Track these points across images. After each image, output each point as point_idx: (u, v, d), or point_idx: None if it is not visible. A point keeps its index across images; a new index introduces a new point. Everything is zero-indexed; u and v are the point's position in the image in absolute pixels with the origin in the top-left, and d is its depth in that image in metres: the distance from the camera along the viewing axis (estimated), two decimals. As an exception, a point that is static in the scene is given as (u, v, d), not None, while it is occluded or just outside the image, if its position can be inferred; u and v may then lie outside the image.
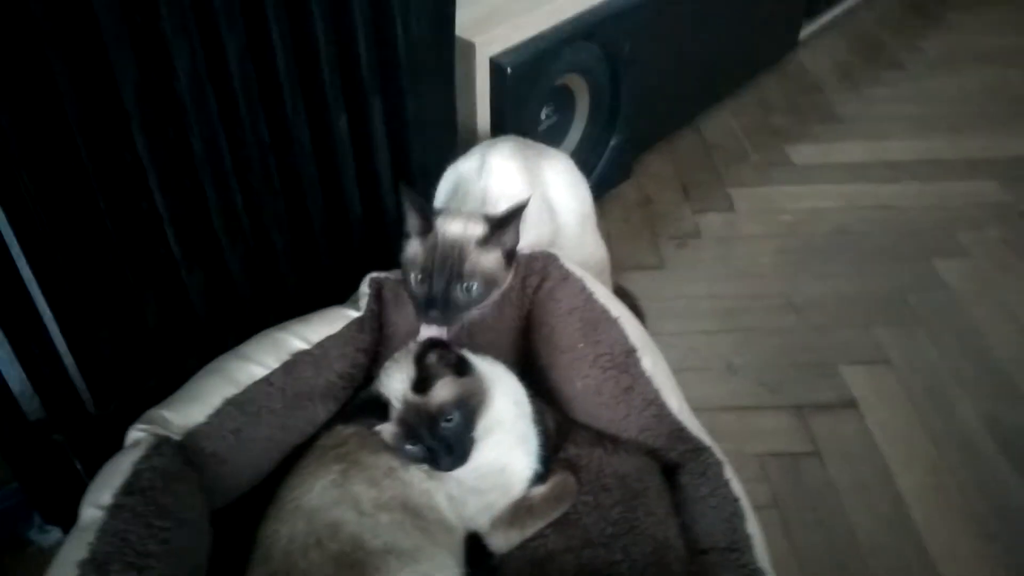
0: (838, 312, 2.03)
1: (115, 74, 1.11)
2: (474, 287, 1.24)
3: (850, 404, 1.79)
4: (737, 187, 2.49)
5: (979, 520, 1.55)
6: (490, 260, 1.25)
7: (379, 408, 1.14)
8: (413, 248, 1.25)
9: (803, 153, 2.67)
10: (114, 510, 0.99)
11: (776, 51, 3.12)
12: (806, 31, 3.25)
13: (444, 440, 1.12)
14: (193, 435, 1.13)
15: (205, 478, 1.14)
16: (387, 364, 1.20)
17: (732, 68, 2.84)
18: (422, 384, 1.13)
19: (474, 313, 1.27)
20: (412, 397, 1.13)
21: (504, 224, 1.24)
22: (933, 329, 1.98)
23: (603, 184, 2.24)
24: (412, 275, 1.24)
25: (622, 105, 2.13)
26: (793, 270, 2.17)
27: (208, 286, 1.36)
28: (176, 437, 1.12)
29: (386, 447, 1.17)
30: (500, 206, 1.29)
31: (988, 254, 2.22)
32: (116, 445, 1.10)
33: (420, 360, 1.14)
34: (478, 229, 1.24)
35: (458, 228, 1.24)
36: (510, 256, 1.28)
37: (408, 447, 1.13)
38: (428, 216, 1.24)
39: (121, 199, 1.21)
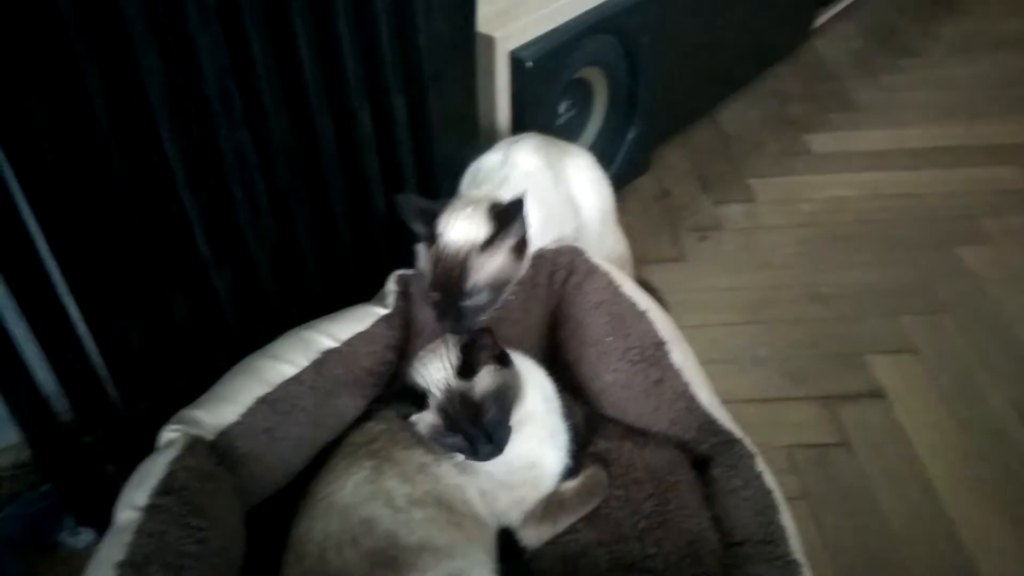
0: (863, 302, 2.02)
1: (142, 75, 1.11)
2: (481, 296, 1.22)
3: (878, 394, 1.77)
4: (756, 178, 2.46)
5: (1013, 509, 1.53)
6: (496, 263, 1.23)
7: (416, 397, 1.13)
8: (422, 257, 1.25)
9: (821, 142, 2.64)
10: (150, 511, 0.99)
11: (791, 40, 3.09)
12: (820, 19, 3.22)
13: (484, 428, 1.11)
14: (226, 435, 1.13)
15: (238, 478, 1.14)
16: (423, 354, 1.19)
17: (747, 58, 2.82)
18: (467, 370, 1.12)
19: (491, 313, 1.26)
20: (455, 383, 1.12)
21: (508, 217, 1.21)
22: (959, 317, 1.96)
23: (621, 178, 2.22)
24: (424, 284, 1.24)
25: (640, 98, 2.12)
26: (816, 260, 2.15)
27: (235, 285, 1.36)
28: (209, 437, 1.12)
29: (419, 441, 1.16)
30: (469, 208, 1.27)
31: (1012, 241, 2.20)
32: (147, 446, 1.10)
33: (467, 348, 1.13)
34: (481, 231, 1.21)
35: (460, 234, 1.21)
36: (520, 247, 1.25)
37: (447, 437, 1.12)
38: (430, 222, 1.22)
39: (149, 200, 1.21)
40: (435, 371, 1.14)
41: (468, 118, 1.58)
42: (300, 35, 1.26)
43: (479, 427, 1.11)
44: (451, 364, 1.13)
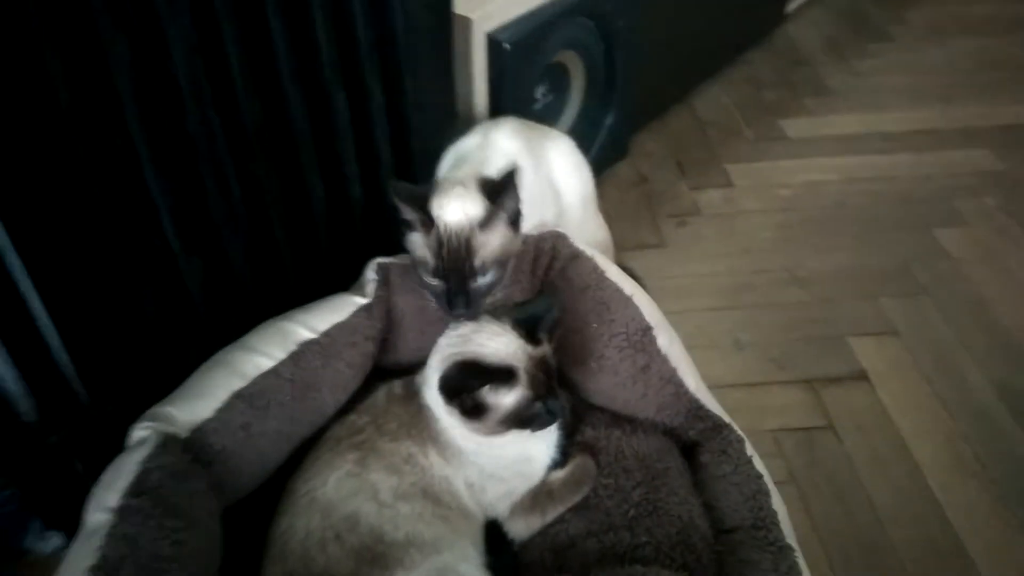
0: (843, 285, 2.01)
1: (107, 55, 1.05)
2: (489, 274, 1.18)
3: (861, 376, 1.77)
4: (733, 163, 2.46)
5: (999, 488, 1.54)
6: (497, 238, 1.19)
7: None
8: (418, 246, 1.19)
9: (797, 127, 2.64)
10: (122, 512, 0.95)
11: (763, 26, 3.09)
12: (792, 5, 3.22)
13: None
14: (200, 431, 1.09)
15: (214, 475, 1.09)
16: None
17: (721, 44, 2.81)
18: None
19: (498, 295, 1.22)
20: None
21: (501, 191, 1.17)
22: (938, 298, 1.96)
23: (599, 164, 2.18)
24: (424, 272, 1.19)
25: (617, 82, 2.10)
26: (795, 244, 2.15)
27: (207, 275, 1.31)
28: (182, 434, 1.08)
29: (407, 432, 1.13)
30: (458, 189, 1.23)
31: (988, 222, 2.21)
32: (118, 445, 1.05)
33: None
34: (477, 208, 1.17)
35: (457, 214, 1.16)
36: (515, 220, 1.22)
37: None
38: (425, 207, 1.17)
39: (114, 187, 1.15)
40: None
41: (445, 102, 1.54)
42: (272, 16, 1.22)
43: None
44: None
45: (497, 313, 1.16)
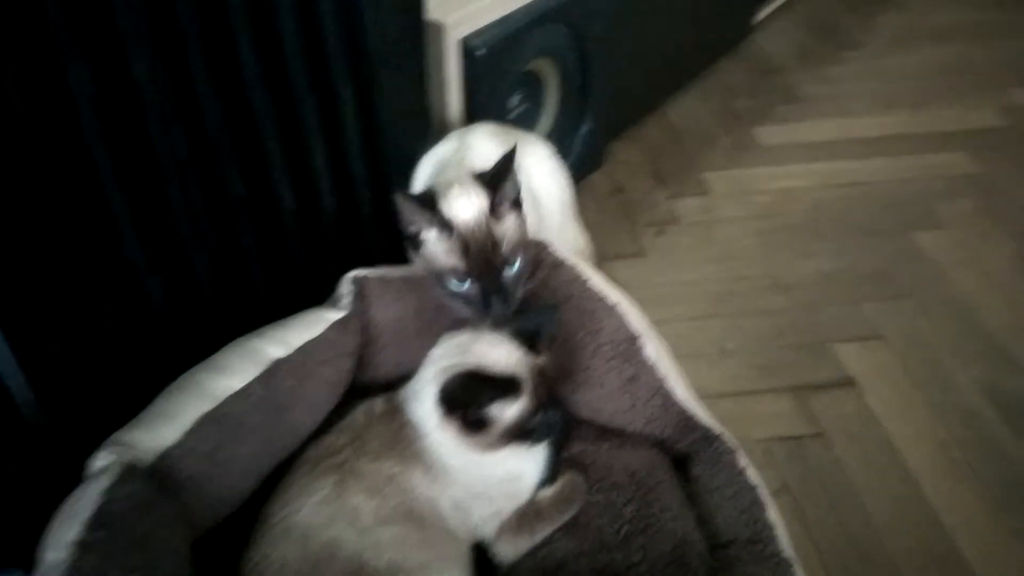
0: (825, 290, 1.99)
1: (66, 66, 1.00)
2: (517, 263, 1.15)
3: (848, 382, 1.74)
4: (710, 171, 2.44)
5: (992, 492, 1.51)
6: (511, 224, 1.17)
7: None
8: (440, 253, 1.14)
9: (771, 134, 2.64)
10: (82, 548, 0.88)
11: (734, 35, 3.10)
12: (761, 15, 3.23)
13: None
14: (166, 458, 1.02)
15: (182, 505, 1.03)
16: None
17: (693, 53, 2.81)
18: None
19: (521, 293, 1.18)
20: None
21: (500, 177, 1.15)
22: (921, 302, 1.95)
23: (575, 173, 2.13)
24: (452, 281, 1.14)
25: (592, 91, 2.07)
26: (775, 250, 2.13)
27: (172, 292, 1.24)
28: (147, 461, 1.01)
29: (389, 450, 1.07)
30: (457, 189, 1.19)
31: (965, 225, 2.21)
32: (76, 475, 0.98)
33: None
34: (484, 200, 1.14)
35: (470, 209, 1.14)
36: (517, 203, 1.19)
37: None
38: (438, 211, 1.13)
39: (72, 201, 1.08)
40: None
41: (419, 109, 1.50)
42: (238, 21, 1.16)
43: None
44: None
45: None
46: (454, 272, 1.13)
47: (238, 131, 1.24)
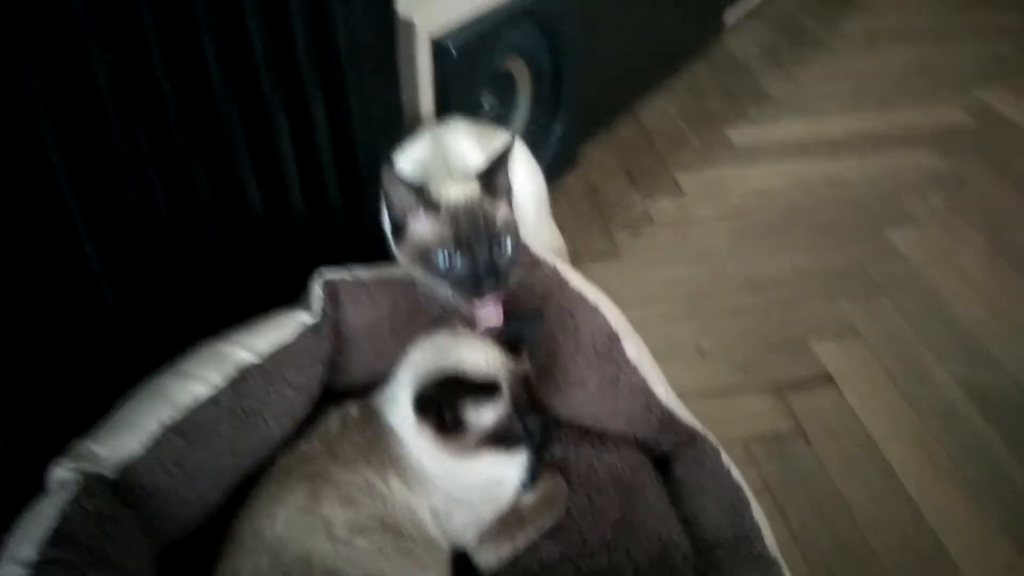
0: (800, 288, 1.99)
1: (17, 60, 0.95)
2: (508, 243, 1.12)
3: (826, 379, 1.73)
4: (683, 171, 2.44)
5: (972, 485, 1.51)
6: (505, 209, 1.15)
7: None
8: (427, 233, 1.11)
9: (743, 135, 2.64)
10: (41, 567, 0.83)
11: (703, 37, 3.11)
12: (729, 17, 3.25)
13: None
14: (129, 470, 0.98)
15: (146, 518, 0.98)
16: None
17: (664, 55, 2.81)
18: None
19: (514, 279, 1.15)
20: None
21: (494, 171, 1.14)
22: (896, 298, 1.95)
23: (549, 175, 2.09)
24: (441, 255, 1.10)
25: (564, 91, 2.05)
26: (750, 250, 2.12)
27: (133, 296, 1.19)
28: (109, 473, 0.96)
29: (363, 457, 1.03)
30: (444, 177, 1.17)
31: (937, 221, 2.23)
32: (33, 489, 0.93)
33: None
34: (475, 186, 1.13)
35: (459, 190, 1.12)
36: (509, 198, 1.18)
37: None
38: (425, 192, 1.11)
39: (23, 199, 1.03)
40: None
41: (390, 108, 1.46)
42: (201, 18, 1.12)
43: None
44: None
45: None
46: (442, 244, 1.10)
47: (203, 130, 1.19)
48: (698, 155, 2.53)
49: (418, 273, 1.14)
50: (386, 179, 1.09)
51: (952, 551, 1.39)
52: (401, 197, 1.10)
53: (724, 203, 2.31)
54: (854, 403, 1.68)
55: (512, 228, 1.15)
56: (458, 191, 1.12)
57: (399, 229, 1.13)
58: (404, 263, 1.16)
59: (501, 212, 1.14)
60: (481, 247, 1.09)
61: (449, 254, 1.10)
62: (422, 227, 1.11)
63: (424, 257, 1.11)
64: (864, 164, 2.48)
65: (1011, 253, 2.09)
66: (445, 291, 1.13)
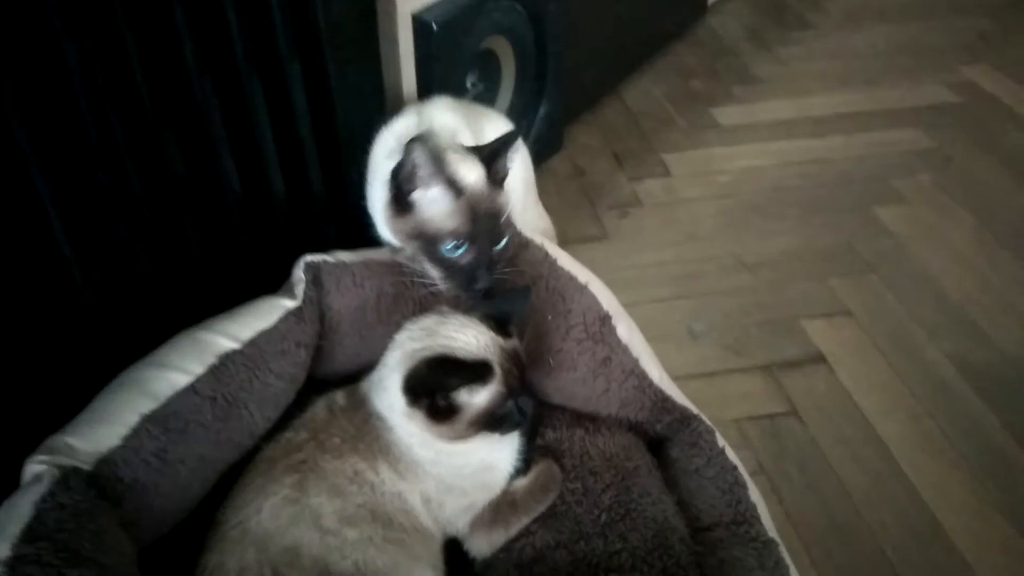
0: (790, 267, 1.97)
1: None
2: (505, 239, 1.11)
3: (818, 358, 1.72)
4: (669, 152, 2.41)
5: (967, 461, 1.50)
6: (504, 200, 1.12)
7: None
8: (442, 213, 1.07)
9: (728, 115, 2.62)
10: (15, 564, 0.80)
11: (686, 18, 3.07)
12: (712, -2, 3.22)
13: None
14: (107, 462, 0.94)
15: (126, 512, 0.95)
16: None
17: (648, 35, 2.78)
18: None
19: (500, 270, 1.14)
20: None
21: (498, 153, 1.11)
22: (886, 276, 1.94)
23: (535, 157, 2.08)
24: (448, 245, 1.08)
25: (548, 71, 2.01)
26: (738, 230, 2.10)
27: (108, 284, 1.14)
28: (86, 467, 0.93)
29: (352, 447, 1.00)
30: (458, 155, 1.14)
31: (925, 199, 2.21)
32: (8, 484, 0.90)
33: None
34: (480, 170, 1.10)
35: (474, 175, 1.09)
36: (502, 184, 1.15)
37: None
38: (448, 169, 1.07)
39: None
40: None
41: (372, 86, 1.42)
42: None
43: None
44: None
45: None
46: (454, 235, 1.07)
47: (178, 111, 1.15)
48: (684, 136, 2.51)
49: (411, 249, 1.11)
50: (418, 142, 1.03)
51: (948, 528, 1.38)
52: (425, 169, 1.05)
53: (712, 183, 2.29)
54: (846, 382, 1.66)
55: (511, 226, 1.13)
56: (474, 174, 1.09)
57: (401, 201, 1.09)
58: (398, 236, 1.13)
59: (506, 208, 1.11)
60: (485, 243, 1.08)
61: (457, 245, 1.07)
62: (435, 207, 1.08)
63: (428, 238, 1.08)
64: (850, 142, 2.46)
65: (999, 228, 2.08)
66: (437, 275, 1.10)
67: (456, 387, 0.95)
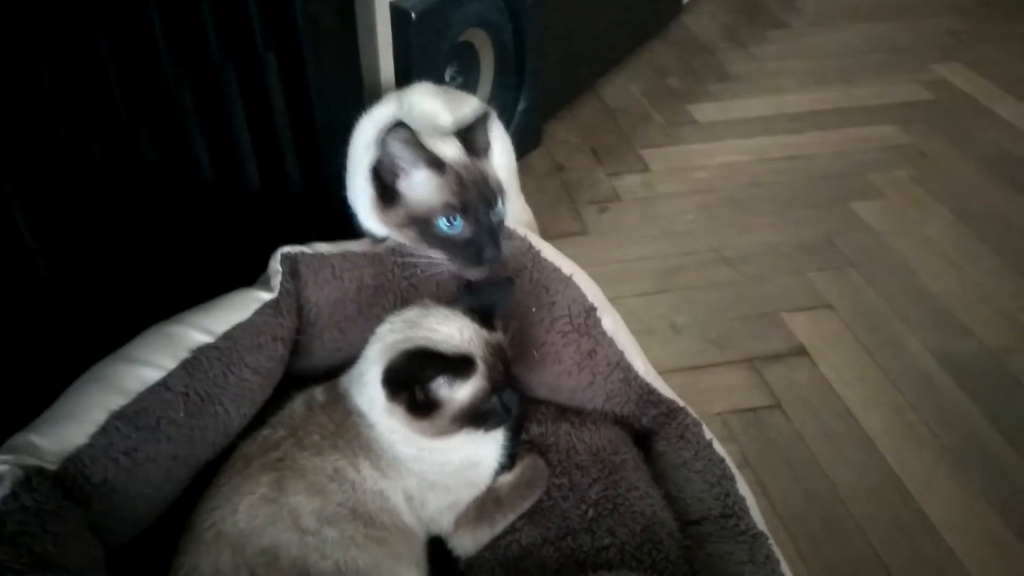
0: (770, 262, 1.96)
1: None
2: (501, 202, 1.09)
3: (800, 352, 1.71)
4: (647, 148, 2.40)
5: (952, 453, 1.50)
6: (490, 168, 1.11)
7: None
8: (429, 188, 1.06)
9: (705, 111, 2.62)
10: (-28, 570, 0.75)
11: (661, 16, 3.08)
12: (687, -3, 3.22)
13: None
14: (73, 462, 0.90)
15: (94, 514, 0.91)
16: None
17: (623, 33, 2.77)
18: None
19: (508, 248, 1.12)
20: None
21: (474, 129, 1.10)
22: (865, 270, 1.94)
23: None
24: (444, 218, 1.05)
25: (527, 65, 1.99)
26: (718, 224, 2.09)
27: (73, 276, 1.09)
28: (51, 466, 0.88)
29: (332, 444, 0.97)
30: (432, 138, 1.11)
31: (902, 193, 2.22)
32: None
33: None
34: (459, 145, 1.09)
35: (455, 150, 1.07)
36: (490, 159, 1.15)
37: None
38: (428, 149, 1.05)
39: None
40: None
41: (349, 76, 1.38)
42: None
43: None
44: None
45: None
46: (447, 208, 1.05)
47: (149, 100, 1.10)
48: (662, 132, 2.50)
49: (409, 238, 1.08)
50: (391, 134, 1.02)
51: (934, 519, 1.37)
52: (406, 153, 1.04)
53: (690, 179, 2.28)
54: (829, 375, 1.65)
55: (502, 188, 1.10)
56: (452, 150, 1.07)
57: (387, 193, 1.06)
58: (392, 229, 1.10)
59: (492, 171, 1.09)
60: (485, 213, 1.05)
61: (451, 218, 1.05)
62: (422, 189, 1.06)
63: (421, 221, 1.06)
64: (827, 138, 2.47)
65: (975, 222, 2.09)
66: (440, 259, 1.07)
67: (433, 378, 0.92)
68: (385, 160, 1.05)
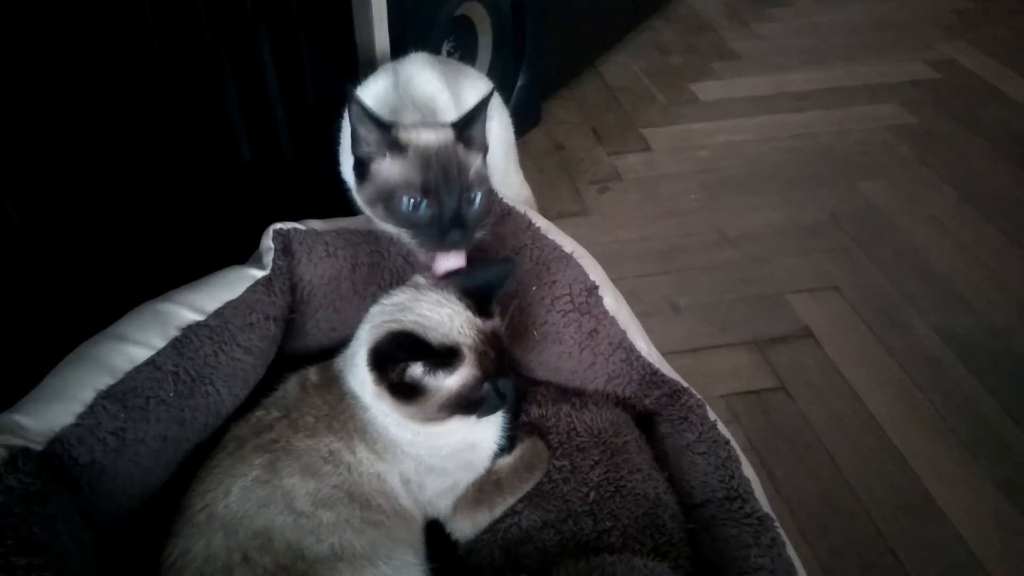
0: (774, 242, 1.94)
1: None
2: (478, 197, 1.04)
3: (805, 333, 1.68)
4: (649, 127, 2.37)
5: (958, 434, 1.48)
6: (479, 162, 1.07)
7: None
8: (393, 169, 1.02)
9: (708, 90, 2.58)
10: (-45, 554, 0.72)
11: (664, -7, 3.03)
12: (690, -27, 3.18)
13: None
14: (60, 442, 0.87)
15: (82, 495, 0.88)
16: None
17: (625, 11, 2.73)
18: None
19: (480, 234, 1.06)
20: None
21: (471, 121, 1.05)
22: (871, 250, 1.91)
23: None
24: (406, 199, 1.01)
25: (527, 40, 1.95)
26: (721, 204, 2.06)
27: (59, 252, 1.06)
28: (37, 447, 0.86)
29: (327, 426, 0.94)
30: (435, 113, 1.07)
31: (907, 172, 2.19)
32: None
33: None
34: (448, 131, 1.05)
35: (434, 135, 1.03)
36: (483, 152, 1.09)
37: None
38: (391, 132, 1.02)
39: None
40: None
41: (344, 50, 1.34)
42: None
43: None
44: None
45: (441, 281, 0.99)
46: (408, 188, 1.01)
47: (138, 73, 1.07)
48: (664, 111, 2.47)
49: (378, 216, 1.05)
50: (354, 113, 0.99)
51: (942, 503, 1.36)
52: (364, 128, 1.01)
53: (692, 158, 2.25)
54: (834, 356, 1.63)
55: (485, 182, 1.06)
56: (431, 135, 1.03)
57: (362, 167, 1.03)
58: (363, 205, 1.06)
59: (475, 163, 1.05)
60: (450, 196, 1.01)
61: (414, 200, 1.01)
62: (387, 167, 1.02)
63: (386, 199, 1.02)
64: (831, 118, 2.44)
65: (980, 201, 2.06)
66: (406, 239, 1.03)
67: (408, 362, 0.89)
68: (356, 139, 1.02)
